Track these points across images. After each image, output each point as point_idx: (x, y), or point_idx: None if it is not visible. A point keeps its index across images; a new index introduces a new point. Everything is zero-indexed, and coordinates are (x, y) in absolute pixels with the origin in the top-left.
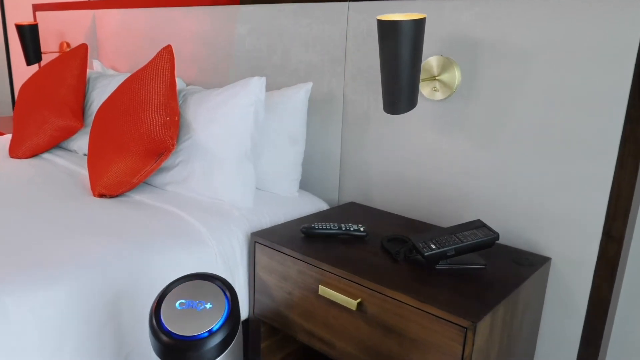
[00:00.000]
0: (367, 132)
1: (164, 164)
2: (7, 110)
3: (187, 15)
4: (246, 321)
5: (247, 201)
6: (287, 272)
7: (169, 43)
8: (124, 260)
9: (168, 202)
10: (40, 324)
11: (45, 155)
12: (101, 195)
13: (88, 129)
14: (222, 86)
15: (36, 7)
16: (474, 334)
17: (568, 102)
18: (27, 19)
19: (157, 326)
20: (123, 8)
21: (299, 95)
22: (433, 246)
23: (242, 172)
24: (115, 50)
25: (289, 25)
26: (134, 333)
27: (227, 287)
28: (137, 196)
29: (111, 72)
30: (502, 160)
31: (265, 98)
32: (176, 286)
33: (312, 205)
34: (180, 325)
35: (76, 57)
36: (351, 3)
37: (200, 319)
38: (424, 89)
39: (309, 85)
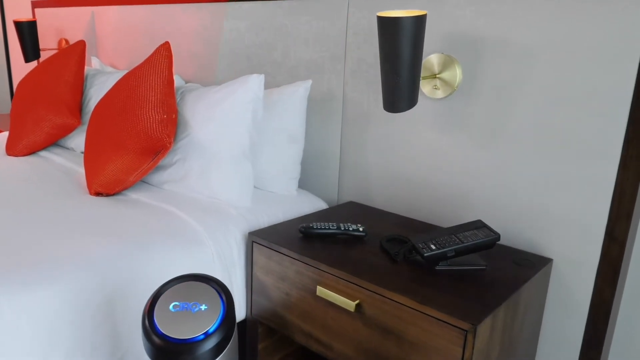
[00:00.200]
0: (367, 130)
1: (161, 162)
2: (6, 107)
3: (186, 12)
4: (243, 322)
5: (244, 200)
6: (285, 273)
7: (167, 40)
8: (120, 260)
9: (165, 200)
10: (34, 323)
11: (42, 153)
12: (97, 194)
13: (85, 127)
14: (221, 84)
15: (35, 4)
16: (474, 337)
17: (570, 101)
18: (26, 16)
19: (150, 328)
20: (122, 5)
21: (298, 93)
22: (433, 247)
23: (240, 171)
24: (114, 47)
25: (288, 22)
26: (129, 334)
27: (222, 289)
28: (133, 195)
29: (109, 69)
30: (504, 159)
31: (264, 96)
32: (170, 287)
33: (310, 204)
34: (174, 328)
35: (74, 54)
36: None
37: (195, 321)
38: (425, 87)
39: (309, 83)
